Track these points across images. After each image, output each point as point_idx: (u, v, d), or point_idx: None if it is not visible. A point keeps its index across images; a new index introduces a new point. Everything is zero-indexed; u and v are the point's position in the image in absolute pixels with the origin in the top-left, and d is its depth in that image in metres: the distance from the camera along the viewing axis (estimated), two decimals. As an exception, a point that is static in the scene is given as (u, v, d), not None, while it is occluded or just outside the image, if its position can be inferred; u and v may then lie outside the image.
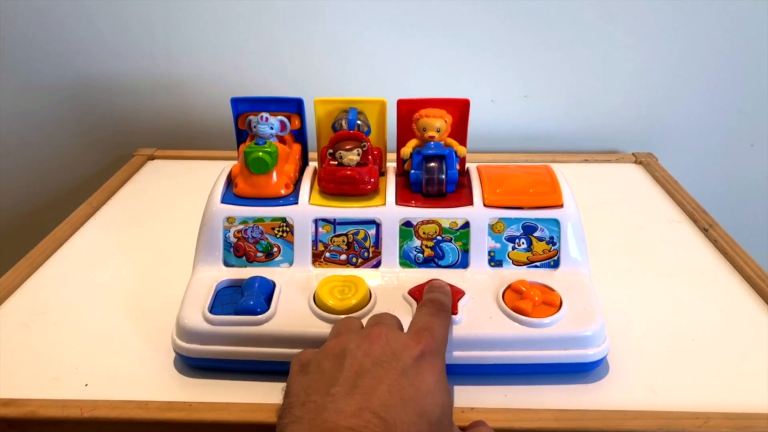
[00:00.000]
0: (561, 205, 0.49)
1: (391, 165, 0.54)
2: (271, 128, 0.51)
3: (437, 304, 0.41)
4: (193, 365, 0.45)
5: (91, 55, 0.82)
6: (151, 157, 0.82)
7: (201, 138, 0.86)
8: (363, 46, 0.80)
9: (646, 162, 0.80)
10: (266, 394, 0.43)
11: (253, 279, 0.47)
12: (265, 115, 0.50)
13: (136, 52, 0.82)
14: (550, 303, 0.44)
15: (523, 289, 0.45)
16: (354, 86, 0.82)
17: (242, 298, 0.45)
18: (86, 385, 0.44)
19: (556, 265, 0.49)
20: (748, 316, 0.51)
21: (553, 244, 0.49)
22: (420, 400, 0.33)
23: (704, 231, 0.63)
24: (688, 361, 0.46)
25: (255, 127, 0.51)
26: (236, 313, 0.44)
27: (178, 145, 0.86)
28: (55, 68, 0.83)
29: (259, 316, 0.44)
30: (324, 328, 0.43)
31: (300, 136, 0.54)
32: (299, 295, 0.46)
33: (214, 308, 0.46)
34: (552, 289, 0.46)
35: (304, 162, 0.55)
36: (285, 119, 0.52)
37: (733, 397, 0.42)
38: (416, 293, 0.46)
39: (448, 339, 0.40)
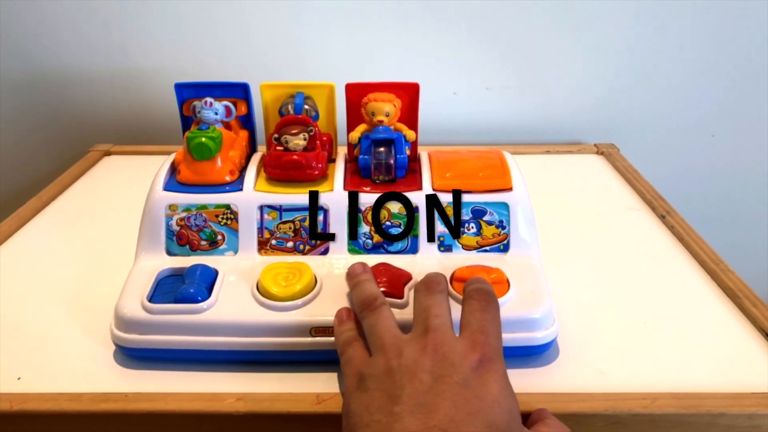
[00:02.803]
0: (510, 189, 0.48)
1: (343, 151, 0.53)
2: (216, 113, 0.49)
3: (483, 295, 0.39)
4: (133, 356, 0.44)
5: (46, 49, 0.81)
6: (108, 153, 0.81)
7: (159, 133, 0.84)
8: (330, 42, 0.79)
9: (607, 152, 0.80)
10: (207, 384, 0.42)
11: (195, 267, 0.45)
12: (209, 100, 0.49)
13: (91, 46, 0.80)
14: (498, 287, 0.44)
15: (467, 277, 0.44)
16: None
17: (182, 287, 0.44)
18: (18, 378, 0.42)
19: (506, 249, 0.48)
20: (699, 298, 0.51)
21: (503, 227, 0.48)
22: (487, 411, 0.32)
23: (662, 218, 0.63)
24: (639, 343, 0.45)
25: (199, 112, 0.49)
26: (176, 302, 0.43)
27: (136, 141, 0.84)
28: (8, 63, 0.81)
29: (200, 304, 0.43)
30: (266, 316, 0.42)
31: (247, 122, 0.53)
32: (242, 283, 0.45)
33: (154, 297, 0.44)
34: (500, 272, 0.45)
35: (252, 149, 0.54)
36: (230, 104, 0.50)
37: (681, 378, 0.42)
38: (362, 278, 0.45)
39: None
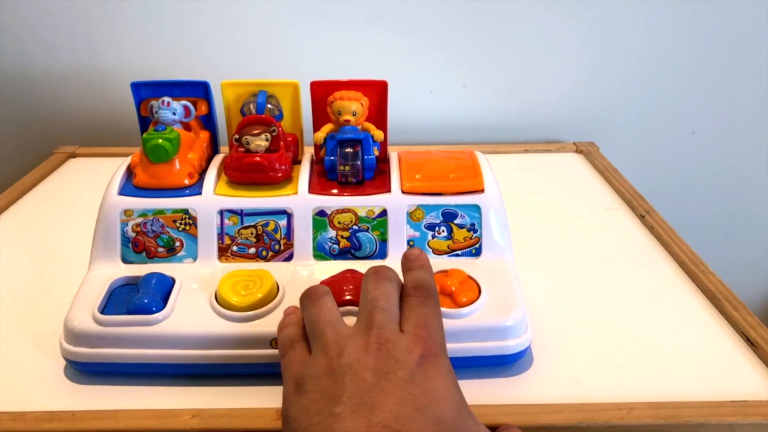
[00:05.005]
0: (482, 191, 0.46)
1: (309, 152, 0.51)
2: (174, 113, 0.47)
3: (422, 291, 0.36)
4: (84, 371, 0.41)
5: (6, 47, 0.78)
6: (72, 155, 0.78)
7: (127, 134, 0.81)
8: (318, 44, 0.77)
9: (586, 151, 0.78)
10: (161, 399, 0.39)
11: (150, 275, 0.43)
12: (166, 99, 0.47)
13: (55, 44, 0.77)
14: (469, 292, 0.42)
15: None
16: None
17: (136, 296, 0.41)
18: (-40, 396, 0.40)
19: (477, 253, 0.46)
20: (679, 302, 0.49)
21: (475, 231, 0.46)
22: (435, 406, 0.31)
23: (641, 218, 0.62)
24: (616, 350, 0.44)
25: (156, 112, 0.47)
26: (129, 313, 0.41)
27: (102, 142, 0.81)
28: (-33, 62, 0.78)
29: (154, 316, 0.40)
30: (225, 327, 0.40)
31: (208, 122, 0.51)
32: (200, 292, 0.43)
33: (106, 308, 0.42)
34: (471, 278, 0.43)
35: (213, 150, 0.51)
36: (189, 104, 0.48)
37: (658, 386, 0.40)
38: (328, 285, 0.42)
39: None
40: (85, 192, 0.68)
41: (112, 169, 0.71)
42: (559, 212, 0.64)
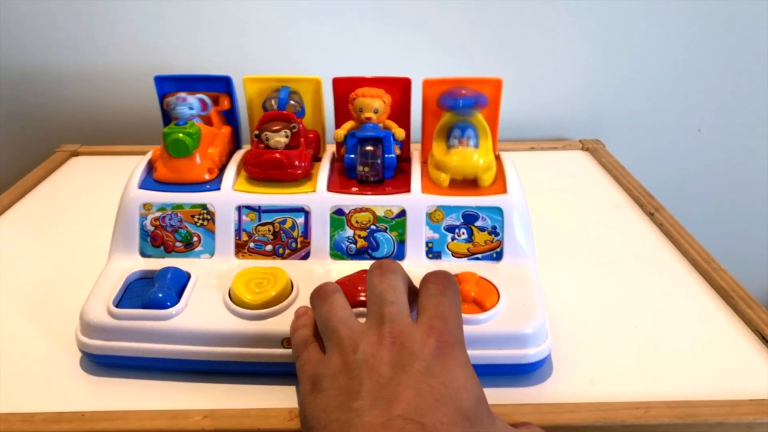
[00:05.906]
0: (505, 192, 0.46)
1: (331, 149, 0.51)
2: (191, 108, 0.47)
3: (441, 278, 0.36)
4: (99, 363, 0.41)
5: (8, 44, 0.76)
6: (75, 153, 0.77)
7: (130, 131, 0.81)
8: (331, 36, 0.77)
9: (593, 148, 0.78)
10: (173, 397, 0.39)
11: (166, 270, 0.43)
12: (182, 95, 0.47)
13: (57, 41, 0.76)
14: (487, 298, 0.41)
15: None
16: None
17: (151, 290, 0.41)
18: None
19: (499, 257, 0.45)
20: (692, 300, 0.49)
21: (496, 234, 0.46)
22: (453, 396, 0.31)
23: (650, 215, 0.62)
24: (629, 349, 0.44)
25: (173, 109, 0.47)
26: (143, 307, 0.40)
27: (105, 140, 0.80)
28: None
29: (167, 310, 0.40)
30: (237, 325, 0.40)
31: (231, 117, 0.51)
32: (215, 289, 0.42)
33: (122, 301, 0.42)
34: (490, 282, 0.43)
35: (236, 146, 0.51)
36: (205, 98, 0.48)
37: (675, 385, 0.40)
38: (343, 285, 0.42)
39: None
40: (88, 190, 0.68)
41: (115, 167, 0.70)
42: (567, 210, 0.64)
